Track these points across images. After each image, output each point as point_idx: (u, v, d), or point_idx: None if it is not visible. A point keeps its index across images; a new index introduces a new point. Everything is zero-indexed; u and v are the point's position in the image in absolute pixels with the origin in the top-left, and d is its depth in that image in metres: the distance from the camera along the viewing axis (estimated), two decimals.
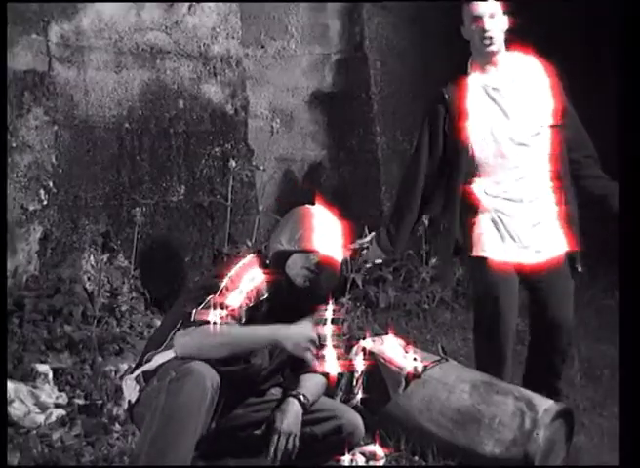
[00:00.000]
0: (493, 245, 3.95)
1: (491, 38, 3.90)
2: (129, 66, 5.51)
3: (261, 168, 5.99)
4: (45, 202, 5.18)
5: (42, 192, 5.17)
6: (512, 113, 3.94)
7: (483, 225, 3.97)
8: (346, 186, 6.46)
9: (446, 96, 3.98)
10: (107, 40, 5.43)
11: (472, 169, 3.97)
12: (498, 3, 3.95)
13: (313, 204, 3.55)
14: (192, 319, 3.17)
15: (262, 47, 6.36)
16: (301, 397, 3.31)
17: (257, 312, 3.30)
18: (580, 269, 4.00)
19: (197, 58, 5.76)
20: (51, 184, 5.20)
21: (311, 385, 3.38)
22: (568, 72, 4.06)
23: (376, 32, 6.53)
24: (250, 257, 3.40)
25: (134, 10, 5.52)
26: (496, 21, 3.92)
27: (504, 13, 3.95)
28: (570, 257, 4.00)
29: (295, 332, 3.23)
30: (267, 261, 3.39)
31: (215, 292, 3.22)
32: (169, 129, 5.66)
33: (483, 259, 3.94)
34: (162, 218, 5.62)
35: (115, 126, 5.47)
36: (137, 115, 5.55)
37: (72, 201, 5.29)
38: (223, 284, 3.25)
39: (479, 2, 3.92)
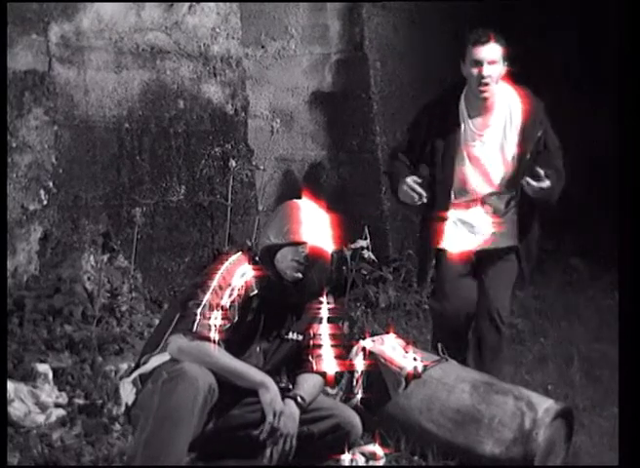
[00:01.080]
0: (453, 238, 4.19)
1: (487, 84, 4.04)
2: (129, 66, 5.51)
3: (261, 168, 5.99)
4: (45, 202, 5.17)
5: (42, 192, 5.17)
6: (487, 164, 4.14)
7: (446, 228, 4.20)
8: (346, 186, 6.45)
9: (438, 143, 4.14)
10: (107, 40, 5.42)
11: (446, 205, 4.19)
12: (500, 49, 4.04)
13: (300, 199, 3.55)
14: (194, 328, 3.18)
15: (262, 47, 6.35)
16: (298, 398, 3.31)
17: (247, 308, 3.31)
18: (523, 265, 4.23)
19: (197, 58, 5.76)
20: (51, 184, 5.20)
21: (308, 386, 3.38)
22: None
23: (376, 32, 6.52)
24: (238, 255, 3.40)
25: (134, 10, 5.52)
26: (494, 68, 4.04)
27: (504, 58, 4.05)
28: (515, 253, 4.23)
29: (277, 394, 3.25)
30: (256, 258, 3.39)
31: (207, 289, 3.24)
32: (169, 129, 5.66)
33: (441, 250, 4.21)
34: (162, 218, 5.61)
35: (115, 126, 5.47)
36: (137, 115, 5.54)
37: (72, 201, 5.29)
38: (215, 281, 3.26)
39: (482, 47, 4.02)
